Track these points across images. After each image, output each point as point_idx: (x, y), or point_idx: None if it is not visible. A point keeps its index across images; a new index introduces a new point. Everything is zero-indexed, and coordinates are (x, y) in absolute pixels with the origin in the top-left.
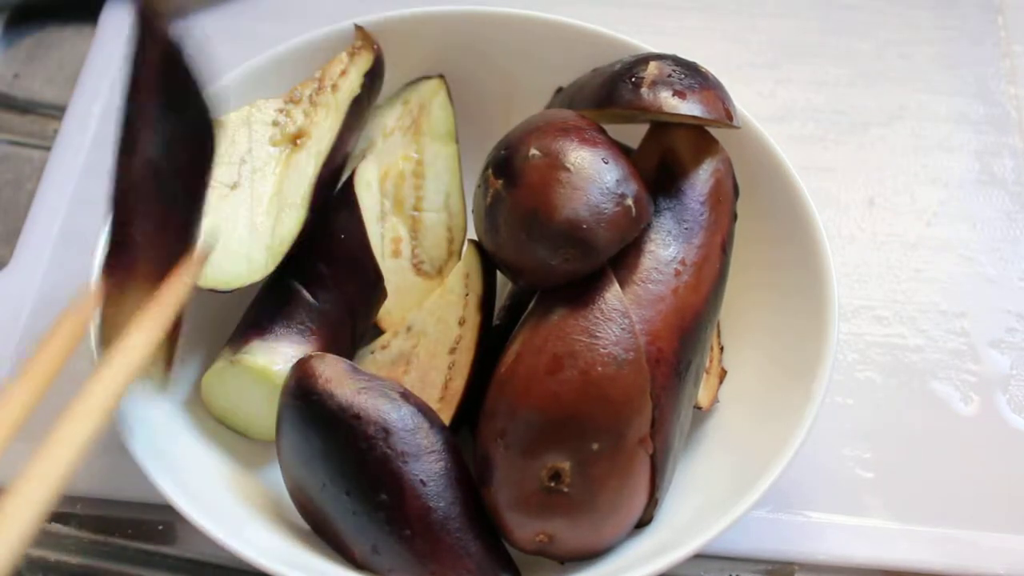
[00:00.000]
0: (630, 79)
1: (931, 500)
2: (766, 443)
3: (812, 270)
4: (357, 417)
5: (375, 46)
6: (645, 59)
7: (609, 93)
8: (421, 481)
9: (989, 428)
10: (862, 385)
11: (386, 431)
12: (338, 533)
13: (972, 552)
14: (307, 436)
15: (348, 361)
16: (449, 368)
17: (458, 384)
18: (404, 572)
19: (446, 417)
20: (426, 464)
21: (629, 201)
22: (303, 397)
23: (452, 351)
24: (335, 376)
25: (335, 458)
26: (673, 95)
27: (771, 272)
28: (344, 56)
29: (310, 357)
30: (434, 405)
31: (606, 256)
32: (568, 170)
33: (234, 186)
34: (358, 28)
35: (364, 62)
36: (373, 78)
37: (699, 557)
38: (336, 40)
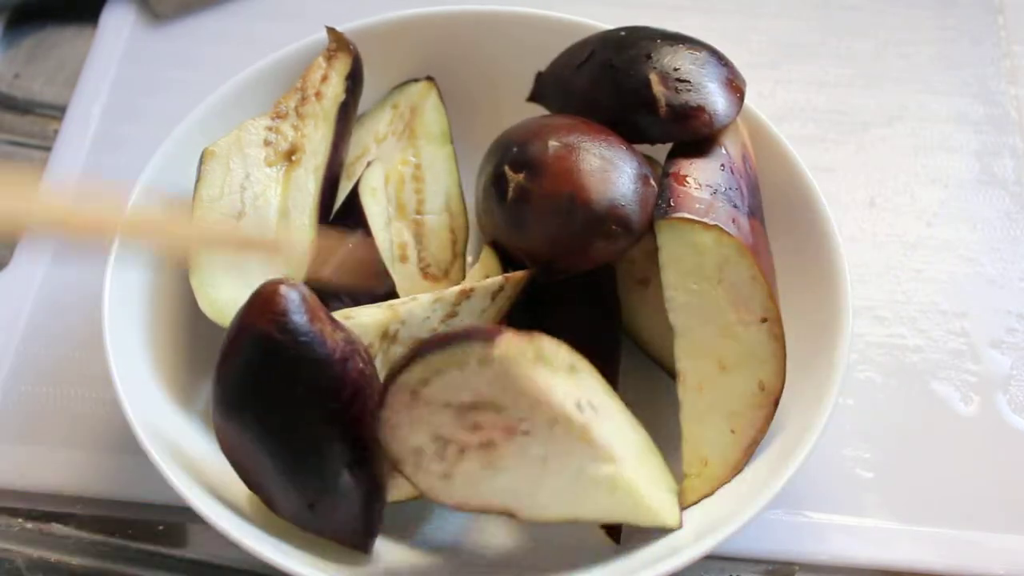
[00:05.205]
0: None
1: (931, 500)
2: (779, 444)
3: (825, 271)
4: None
5: (351, 47)
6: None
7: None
8: None
9: (989, 428)
10: (862, 385)
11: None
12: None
13: (972, 552)
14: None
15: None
16: None
17: None
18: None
19: None
20: None
21: (652, 181)
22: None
23: None
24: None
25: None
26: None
27: (784, 275)
28: (322, 61)
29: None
30: None
31: (641, 232)
32: (594, 155)
33: (240, 215)
34: (330, 31)
35: (343, 65)
36: (355, 81)
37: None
38: (314, 51)
